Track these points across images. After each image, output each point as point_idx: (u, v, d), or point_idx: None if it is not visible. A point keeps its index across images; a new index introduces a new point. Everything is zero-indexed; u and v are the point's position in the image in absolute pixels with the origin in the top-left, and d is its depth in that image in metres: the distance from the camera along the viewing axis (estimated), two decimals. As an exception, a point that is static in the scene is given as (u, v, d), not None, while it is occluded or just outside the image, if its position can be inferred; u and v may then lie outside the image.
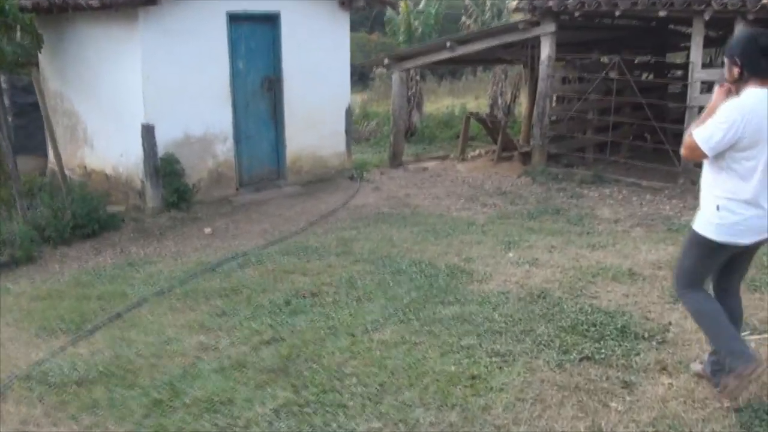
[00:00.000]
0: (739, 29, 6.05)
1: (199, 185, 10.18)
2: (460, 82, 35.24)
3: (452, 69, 31.25)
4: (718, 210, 3.65)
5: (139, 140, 9.66)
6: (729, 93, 3.68)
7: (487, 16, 21.47)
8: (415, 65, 13.90)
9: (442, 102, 28.35)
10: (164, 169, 9.70)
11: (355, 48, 31.07)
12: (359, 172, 12.34)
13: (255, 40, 10.55)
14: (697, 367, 4.18)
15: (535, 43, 12.78)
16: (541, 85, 12.29)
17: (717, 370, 3.89)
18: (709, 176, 3.76)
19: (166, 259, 7.85)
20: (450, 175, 12.75)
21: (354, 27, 40.21)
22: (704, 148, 3.57)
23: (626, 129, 13.45)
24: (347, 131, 12.06)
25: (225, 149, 10.38)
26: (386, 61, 13.67)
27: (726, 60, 3.70)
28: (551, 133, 12.57)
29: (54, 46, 10.78)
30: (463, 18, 21.93)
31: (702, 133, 3.58)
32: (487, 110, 20.84)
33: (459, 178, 12.35)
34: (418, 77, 19.21)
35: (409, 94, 18.81)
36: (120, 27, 9.72)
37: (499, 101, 20.95)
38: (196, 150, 10.09)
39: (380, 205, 10.24)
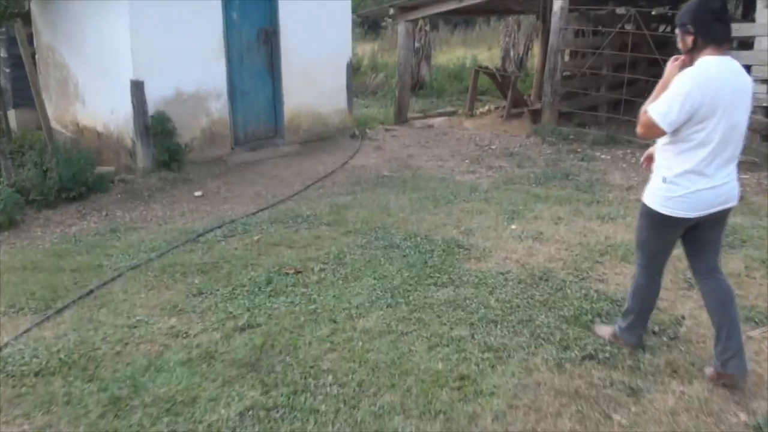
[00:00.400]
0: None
1: (192, 144, 9.70)
2: (473, 31, 34.31)
3: (465, 18, 30.30)
4: (664, 182, 3.55)
5: (129, 97, 9.17)
6: (683, 66, 3.48)
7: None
8: (420, 15, 13.24)
9: (453, 53, 27.57)
10: (155, 128, 9.22)
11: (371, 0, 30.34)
12: (361, 130, 11.81)
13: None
14: (709, 371, 3.80)
15: (547, -6, 12.13)
16: (552, 39, 11.63)
17: (727, 359, 3.66)
18: (659, 146, 3.63)
19: (150, 225, 7.42)
20: (456, 133, 12.20)
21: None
22: (662, 124, 3.39)
23: (641, 86, 12.81)
24: (348, 87, 11.50)
25: (219, 106, 9.88)
26: (391, 11, 13.03)
27: (678, 30, 3.50)
28: (563, 89, 11.95)
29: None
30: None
31: (658, 108, 3.40)
32: (499, 63, 20.19)
33: (465, 137, 11.80)
34: (427, 27, 18.50)
35: (418, 45, 18.17)
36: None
37: (512, 53, 20.27)
38: (188, 107, 9.58)
39: (380, 166, 9.73)
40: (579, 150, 10.33)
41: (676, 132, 3.42)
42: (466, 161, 9.95)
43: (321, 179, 9.05)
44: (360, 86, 18.73)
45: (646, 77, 12.23)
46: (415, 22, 14.23)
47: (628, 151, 10.21)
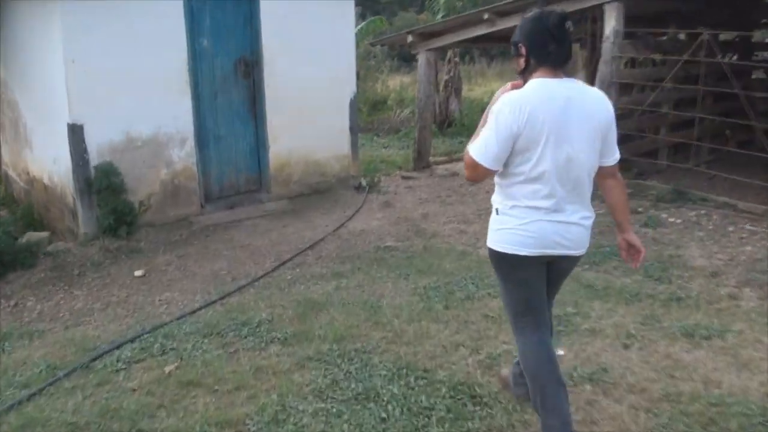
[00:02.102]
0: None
1: (149, 202, 7.56)
2: (512, 63, 32.04)
3: (504, 48, 28.01)
4: (497, 214, 3.07)
5: (67, 144, 7.09)
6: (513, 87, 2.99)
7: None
8: (443, 44, 10.98)
9: (490, 86, 25.40)
10: (99, 183, 7.09)
11: (404, 28, 28.33)
12: (370, 179, 9.57)
13: (224, 10, 7.83)
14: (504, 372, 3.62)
15: (596, 15, 9.80)
16: (603, 70, 9.28)
17: (521, 383, 3.37)
18: (496, 178, 3.08)
19: (54, 328, 5.26)
20: (486, 183, 9.89)
21: (403, 5, 37.49)
22: (484, 162, 2.89)
23: (707, 126, 10.43)
24: (352, 129, 9.24)
25: (183, 154, 7.73)
26: (409, 38, 10.82)
27: (512, 49, 3.02)
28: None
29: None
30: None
31: (476, 146, 2.93)
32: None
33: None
34: (456, 58, 16.28)
35: (447, 77, 15.98)
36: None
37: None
38: (143, 156, 7.45)
39: (384, 231, 7.47)
40: (640, 210, 7.93)
41: (503, 166, 2.94)
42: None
43: (302, 252, 6.81)
44: (383, 123, 16.55)
45: (714, 117, 9.87)
46: (439, 51, 11.99)
47: (702, 211, 7.80)
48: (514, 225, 2.97)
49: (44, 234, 7.36)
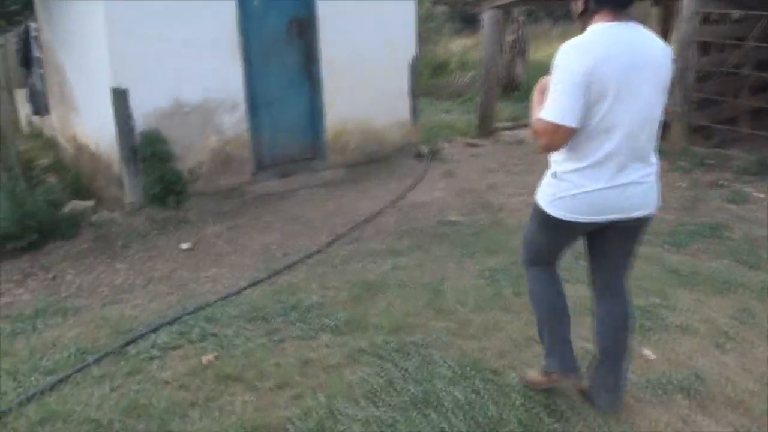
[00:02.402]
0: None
1: (199, 171, 7.16)
2: (574, 24, 30.78)
3: (568, 8, 26.82)
4: (555, 178, 2.78)
5: (111, 110, 6.71)
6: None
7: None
8: (510, 1, 10.28)
9: (554, 48, 24.31)
10: (144, 151, 6.71)
11: (460, -13, 27.36)
12: (431, 147, 9.00)
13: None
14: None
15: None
16: (682, 27, 8.52)
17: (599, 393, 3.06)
18: None
19: (92, 305, 4.89)
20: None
21: (460, -36, 36.38)
22: (565, 122, 2.56)
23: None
24: (412, 92, 8.65)
25: (234, 120, 7.28)
26: (475, -4, 10.16)
27: None
28: (696, 96, 8.77)
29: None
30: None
31: (551, 110, 2.58)
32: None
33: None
34: (521, 18, 15.46)
35: (512, 39, 15.20)
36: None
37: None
38: (192, 123, 7.03)
39: (447, 204, 6.93)
40: (723, 183, 7.21)
41: None
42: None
43: (358, 225, 6.32)
44: (444, 87, 15.89)
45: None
46: (506, 11, 11.26)
47: (794, 184, 7.04)
48: (573, 193, 2.72)
49: (89, 203, 7.04)
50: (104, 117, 6.88)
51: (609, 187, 2.68)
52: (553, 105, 2.59)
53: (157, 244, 6.16)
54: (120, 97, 6.60)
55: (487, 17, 10.30)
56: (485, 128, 10.42)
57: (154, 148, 6.72)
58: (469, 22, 28.99)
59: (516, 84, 14.83)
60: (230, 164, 7.36)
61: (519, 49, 15.28)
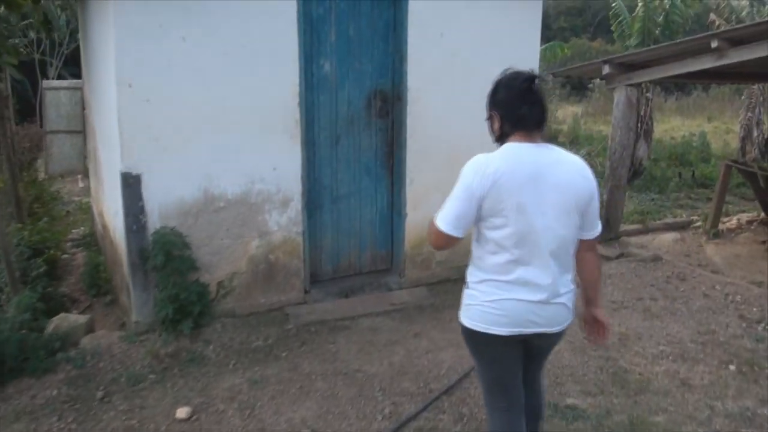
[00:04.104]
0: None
1: (231, 284, 5.27)
2: (689, 97, 28.22)
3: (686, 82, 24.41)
4: (467, 288, 2.82)
5: (119, 198, 4.91)
6: None
7: (745, 13, 14.79)
8: (652, 78, 8.07)
9: (668, 123, 21.86)
10: (158, 258, 4.84)
11: (575, 56, 25.24)
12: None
13: (357, 18, 5.41)
14: None
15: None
16: None
17: None
18: (472, 247, 2.83)
19: None
20: (698, 276, 6.89)
21: (575, 32, 34.19)
22: (446, 230, 2.65)
23: None
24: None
25: (285, 220, 5.36)
26: (606, 69, 7.99)
27: (486, 115, 2.80)
28: None
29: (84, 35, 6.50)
30: (712, 16, 15.12)
31: (442, 216, 2.69)
32: (735, 145, 14.59)
33: (716, 289, 6.50)
34: (649, 94, 13.17)
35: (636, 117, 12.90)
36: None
37: (755, 134, 14.35)
38: (226, 221, 5.16)
39: (562, 368, 4.75)
40: None
41: (478, 229, 2.71)
42: (731, 370, 4.77)
43: (434, 399, 4.23)
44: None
45: None
46: (639, 86, 9.06)
47: None
48: (483, 301, 2.71)
49: (82, 319, 5.19)
50: (117, 204, 5.10)
51: (518, 300, 2.67)
52: (444, 212, 2.67)
53: (147, 402, 4.22)
54: (130, 184, 4.79)
55: (619, 95, 8.14)
56: (609, 233, 8.18)
57: (170, 254, 4.84)
58: (577, 88, 26.85)
59: (638, 169, 12.47)
60: (275, 277, 5.43)
61: (643, 128, 12.94)
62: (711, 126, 21.55)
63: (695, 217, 9.92)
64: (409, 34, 5.47)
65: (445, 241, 2.68)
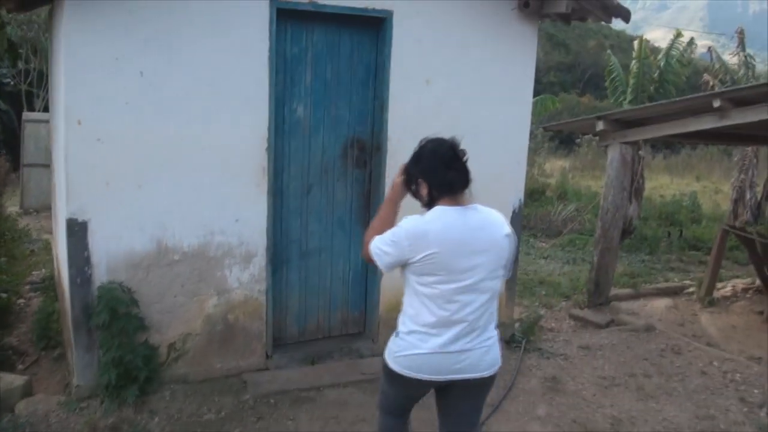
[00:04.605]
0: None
1: (183, 347, 4.74)
2: (677, 156, 28.10)
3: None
4: (396, 336, 2.99)
5: (65, 246, 4.40)
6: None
7: (741, 74, 14.52)
8: (648, 136, 7.67)
9: (657, 181, 21.60)
10: (102, 316, 4.30)
11: (564, 111, 25.09)
12: (527, 323, 6.32)
13: (335, 64, 4.98)
14: None
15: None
16: None
17: None
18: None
19: None
20: (696, 351, 6.40)
21: (564, 87, 34.13)
22: (379, 264, 2.89)
23: None
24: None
25: (247, 277, 4.84)
26: (600, 125, 7.58)
27: (413, 182, 2.94)
28: None
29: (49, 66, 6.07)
30: (706, 76, 14.85)
31: (379, 245, 2.88)
32: (727, 207, 14.27)
33: (713, 365, 6.01)
34: (641, 152, 12.83)
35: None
36: (57, 28, 4.65)
37: (747, 196, 14.02)
38: (181, 276, 4.64)
39: (553, 458, 4.22)
40: None
41: (408, 281, 2.90)
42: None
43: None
44: (541, 221, 13.29)
45: None
46: (634, 145, 8.67)
47: None
48: (411, 353, 2.88)
49: (20, 380, 4.63)
50: (64, 252, 4.58)
51: (441, 353, 2.83)
52: (381, 244, 2.85)
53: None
54: (75, 231, 4.29)
55: (613, 153, 7.73)
56: (598, 298, 7.70)
57: (116, 312, 4.31)
58: (564, 142, 26.60)
59: (629, 229, 12.04)
60: (233, 340, 4.89)
61: (634, 187, 12.56)
62: (699, 185, 21.33)
63: (688, 281, 9.47)
64: (392, 80, 5.03)
65: (375, 266, 2.94)
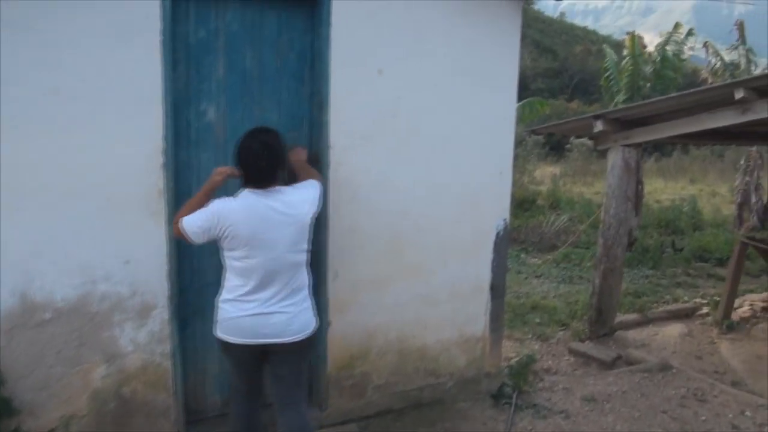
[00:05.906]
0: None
1: (66, 430, 3.50)
2: (668, 159, 27.08)
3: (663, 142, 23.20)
4: (216, 306, 3.21)
5: None
6: (228, 176, 3.25)
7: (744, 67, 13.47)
8: (654, 137, 6.52)
9: (651, 185, 20.53)
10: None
11: (552, 116, 23.98)
12: (518, 369, 5.12)
13: (256, 51, 3.79)
14: None
15: None
16: None
17: None
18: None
19: None
20: (722, 395, 5.21)
21: (552, 93, 33.13)
22: (188, 233, 3.09)
23: None
24: (495, 287, 4.78)
25: (145, 336, 3.64)
26: (599, 125, 6.44)
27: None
28: None
29: None
30: (704, 74, 13.82)
31: (189, 220, 3.10)
32: (732, 211, 13.24)
33: (746, 412, 4.88)
34: (640, 157, 11.67)
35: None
36: None
37: (753, 200, 12.93)
38: (55, 339, 3.43)
39: None
40: None
41: (223, 254, 3.16)
42: None
43: None
44: (532, 233, 12.13)
45: None
46: (637, 147, 7.51)
47: None
48: (224, 317, 3.14)
49: None
50: None
51: (248, 315, 3.09)
52: (190, 219, 3.08)
53: None
54: None
55: (614, 158, 6.59)
56: (601, 327, 6.55)
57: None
58: (555, 148, 25.52)
59: (632, 240, 10.90)
60: (131, 420, 3.68)
61: (635, 196, 11.41)
62: (695, 188, 20.32)
63: (699, 300, 8.35)
64: (333, 70, 3.85)
65: (186, 240, 3.14)
